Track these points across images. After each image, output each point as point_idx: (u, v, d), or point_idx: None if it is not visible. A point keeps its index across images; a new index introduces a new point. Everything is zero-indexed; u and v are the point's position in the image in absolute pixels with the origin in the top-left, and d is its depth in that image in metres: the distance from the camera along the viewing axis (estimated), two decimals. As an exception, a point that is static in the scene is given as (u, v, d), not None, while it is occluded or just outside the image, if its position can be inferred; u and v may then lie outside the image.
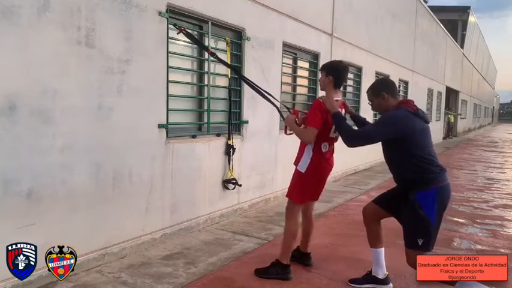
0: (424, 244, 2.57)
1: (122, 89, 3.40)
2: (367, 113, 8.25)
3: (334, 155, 3.21)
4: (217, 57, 3.97)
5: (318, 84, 6.67)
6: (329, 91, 3.04)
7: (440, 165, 2.69)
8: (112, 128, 3.35)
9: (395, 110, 2.73)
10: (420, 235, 2.58)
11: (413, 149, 2.63)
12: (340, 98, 3.11)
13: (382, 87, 2.85)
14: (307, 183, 3.10)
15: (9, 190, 2.71)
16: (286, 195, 3.22)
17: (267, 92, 3.64)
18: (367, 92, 2.94)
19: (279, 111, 3.75)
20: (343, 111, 3.13)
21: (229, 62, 4.68)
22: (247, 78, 3.94)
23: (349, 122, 2.98)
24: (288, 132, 3.27)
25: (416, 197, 2.60)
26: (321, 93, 6.89)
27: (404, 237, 2.70)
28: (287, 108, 3.70)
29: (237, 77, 4.88)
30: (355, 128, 3.03)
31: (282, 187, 5.65)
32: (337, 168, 7.22)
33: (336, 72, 3.06)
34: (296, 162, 3.15)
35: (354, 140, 2.80)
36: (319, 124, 2.94)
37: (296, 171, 3.14)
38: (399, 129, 2.62)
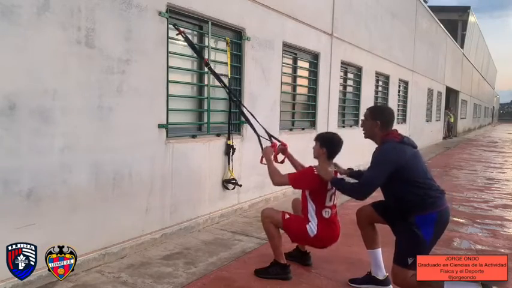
0: (413, 264, 2.51)
1: (121, 89, 3.40)
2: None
3: (339, 220, 3.20)
4: (210, 69, 4.05)
5: (318, 84, 6.70)
6: (323, 162, 3.09)
7: (438, 189, 2.69)
8: (112, 128, 3.35)
9: (382, 146, 2.75)
10: (412, 254, 2.54)
11: (411, 177, 2.63)
12: (332, 167, 3.11)
13: (381, 115, 2.84)
14: (312, 243, 3.12)
15: (9, 190, 2.71)
16: (282, 226, 3.13)
17: (253, 116, 3.85)
18: (367, 110, 2.94)
19: (260, 141, 3.75)
20: (338, 175, 3.14)
21: (229, 62, 4.69)
22: (238, 99, 4.03)
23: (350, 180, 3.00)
24: (263, 163, 3.33)
25: (414, 220, 2.59)
26: (320, 93, 6.89)
27: (395, 252, 2.67)
28: (269, 135, 3.71)
29: (238, 76, 4.89)
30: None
31: (282, 187, 5.65)
32: (337, 168, 7.24)
33: (330, 145, 3.09)
34: (305, 217, 3.11)
35: (361, 192, 2.78)
36: (297, 185, 3.08)
37: (303, 228, 3.07)
38: (393, 163, 2.61)
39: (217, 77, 4.14)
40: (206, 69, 4.39)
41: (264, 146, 3.51)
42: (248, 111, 4.01)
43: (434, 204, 2.60)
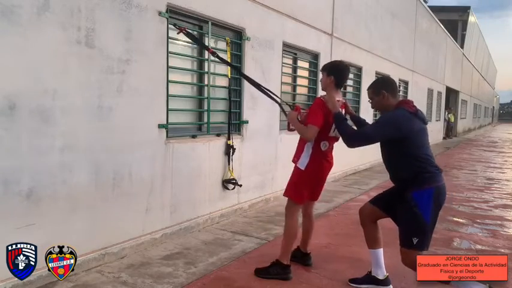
0: (418, 243, 2.58)
1: (121, 89, 3.40)
2: (367, 113, 8.27)
3: (333, 154, 3.21)
4: (218, 56, 3.97)
5: (318, 84, 6.69)
6: (330, 91, 3.06)
7: (436, 166, 2.70)
8: (112, 128, 3.35)
9: (394, 110, 2.74)
10: (415, 234, 2.59)
11: (411, 149, 2.65)
12: (341, 99, 3.12)
13: (383, 85, 2.86)
14: (307, 181, 3.10)
15: (9, 190, 2.71)
16: (284, 194, 3.22)
17: (269, 90, 3.65)
18: (367, 90, 2.95)
19: (281, 108, 3.75)
20: (344, 111, 3.14)
21: (229, 62, 4.69)
22: (248, 77, 3.93)
23: (349, 122, 2.98)
24: (291, 127, 3.29)
25: (412, 196, 2.62)
26: (321, 93, 6.90)
27: (400, 236, 2.70)
28: (289, 105, 3.72)
29: (238, 76, 4.89)
30: (355, 128, 3.04)
31: (282, 187, 5.62)
32: (337, 168, 7.23)
33: (337, 72, 3.08)
34: (295, 160, 3.16)
35: (354, 140, 2.81)
36: (320, 122, 2.95)
37: (295, 168, 3.14)
38: (398, 130, 2.63)
39: (226, 62, 4.16)
40: (206, 70, 4.40)
41: (287, 113, 3.38)
42: (265, 88, 3.69)
43: (431, 179, 2.62)
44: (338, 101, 3.02)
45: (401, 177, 2.73)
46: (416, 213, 2.59)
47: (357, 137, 2.83)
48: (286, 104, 3.77)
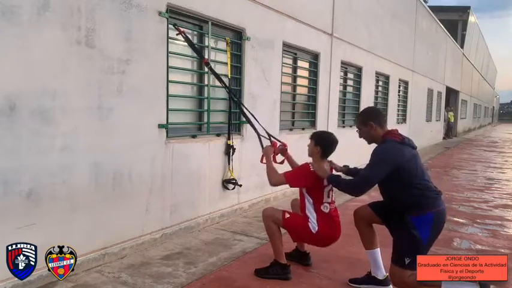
0: (410, 263, 2.53)
1: (121, 89, 3.40)
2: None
3: (339, 213, 3.19)
4: (210, 68, 4.04)
5: (318, 84, 6.70)
6: (317, 160, 3.09)
7: (435, 190, 2.69)
8: (112, 128, 3.35)
9: (382, 144, 2.75)
10: (408, 254, 2.55)
11: (408, 178, 2.63)
12: (327, 165, 3.13)
13: (371, 117, 2.86)
14: (316, 241, 3.10)
15: (9, 190, 2.71)
16: (283, 225, 3.12)
17: (253, 116, 3.84)
18: (355, 120, 2.97)
19: (260, 140, 3.74)
20: (334, 172, 3.14)
21: (229, 62, 4.69)
22: (238, 99, 4.02)
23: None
24: (263, 162, 3.33)
25: (411, 219, 2.60)
26: (320, 93, 6.90)
27: (393, 252, 2.68)
28: (269, 135, 3.70)
29: (238, 76, 4.89)
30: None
31: (282, 187, 5.65)
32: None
33: (325, 144, 3.09)
34: (303, 216, 3.10)
35: (357, 189, 2.77)
36: (294, 183, 3.09)
37: (307, 225, 3.05)
38: (393, 163, 2.62)
39: (218, 76, 4.14)
40: (206, 70, 4.40)
41: (264, 145, 3.51)
42: (248, 111, 4.01)
43: (430, 205, 2.61)
44: (325, 167, 3.06)
45: (400, 206, 2.70)
46: (413, 235, 2.57)
47: (359, 185, 2.77)
48: (268, 137, 3.69)
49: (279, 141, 3.54)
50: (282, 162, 3.47)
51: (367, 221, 3.01)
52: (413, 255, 2.51)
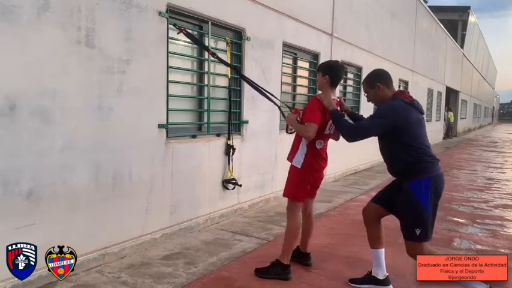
0: (421, 234, 2.59)
1: (121, 89, 3.40)
2: (367, 113, 8.26)
3: (327, 152, 3.23)
4: (217, 57, 3.99)
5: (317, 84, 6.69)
6: (326, 90, 3.10)
7: (433, 155, 2.71)
8: (112, 128, 3.35)
9: (391, 101, 2.75)
10: (417, 225, 2.60)
11: (408, 140, 2.65)
12: (336, 97, 3.15)
13: (377, 78, 2.86)
14: (304, 178, 3.12)
15: (9, 190, 2.71)
16: (284, 195, 3.23)
17: (268, 92, 3.67)
18: (362, 84, 2.97)
19: (281, 110, 3.76)
20: (340, 109, 3.16)
21: (229, 62, 4.69)
22: (248, 78, 3.95)
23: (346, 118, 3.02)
24: (290, 131, 3.31)
25: (409, 186, 2.63)
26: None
27: (402, 229, 2.72)
28: (288, 107, 3.72)
29: (238, 77, 4.89)
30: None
31: (282, 187, 5.61)
32: (337, 168, 7.26)
33: (332, 71, 3.11)
34: (290, 158, 3.19)
35: (353, 134, 2.82)
36: (318, 120, 2.99)
37: (292, 167, 3.16)
38: (396, 120, 2.64)
39: (225, 63, 4.17)
40: (206, 70, 4.40)
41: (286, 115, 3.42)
42: (263, 89, 3.75)
43: (427, 169, 2.63)
44: (333, 99, 3.05)
45: (398, 168, 2.74)
46: (415, 203, 2.60)
47: (356, 130, 2.84)
48: (286, 105, 3.77)
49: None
50: (293, 132, 3.38)
51: (376, 217, 3.01)
52: (421, 224, 2.57)
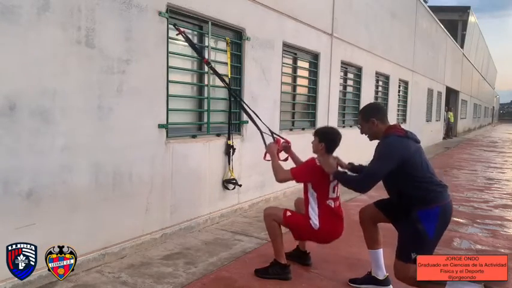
0: (415, 258, 2.49)
1: (121, 89, 3.40)
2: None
3: (342, 209, 3.17)
4: (211, 68, 4.02)
5: (318, 84, 6.69)
6: (322, 156, 3.06)
7: (440, 183, 2.68)
8: (112, 128, 3.35)
9: (385, 139, 2.73)
10: (415, 250, 2.54)
11: (413, 172, 2.62)
12: (333, 160, 3.10)
13: (372, 113, 2.85)
14: (318, 238, 3.08)
15: (9, 190, 2.71)
16: (283, 223, 3.12)
17: (255, 113, 3.77)
18: (358, 115, 2.95)
19: (263, 137, 3.67)
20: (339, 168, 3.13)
21: (229, 62, 4.69)
22: (239, 97, 3.96)
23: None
24: (267, 159, 3.30)
25: (418, 214, 2.58)
26: (320, 93, 6.89)
27: (398, 248, 2.67)
28: (271, 132, 3.65)
29: (238, 76, 4.89)
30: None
31: (282, 187, 5.65)
32: (337, 168, 7.24)
33: (328, 140, 3.07)
34: (306, 212, 3.08)
35: (363, 186, 2.77)
36: (299, 177, 3.03)
37: (308, 222, 3.03)
38: (397, 158, 2.60)
39: (219, 75, 4.13)
40: (206, 69, 4.40)
41: (267, 142, 3.47)
42: (250, 109, 3.98)
43: (436, 199, 2.60)
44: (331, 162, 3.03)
45: (406, 202, 2.67)
46: (419, 230, 2.55)
47: (364, 182, 2.76)
48: (270, 134, 3.63)
49: (282, 138, 3.51)
50: (285, 160, 3.45)
51: (373, 220, 3.00)
52: (419, 249, 2.52)
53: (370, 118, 2.81)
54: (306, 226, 3.03)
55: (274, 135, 3.57)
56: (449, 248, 4.01)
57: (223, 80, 4.16)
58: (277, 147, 3.28)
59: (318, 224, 2.99)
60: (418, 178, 2.62)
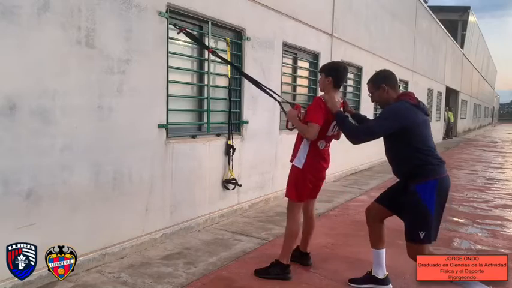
0: (425, 237, 2.58)
1: (121, 89, 3.40)
2: (367, 113, 8.26)
3: (330, 152, 3.22)
4: (218, 56, 3.97)
5: (318, 85, 6.69)
6: (329, 91, 3.07)
7: (439, 158, 2.70)
8: (112, 128, 3.35)
9: (396, 103, 2.73)
10: (421, 227, 2.58)
11: (414, 142, 2.64)
12: (339, 98, 3.13)
13: (382, 79, 2.84)
14: (305, 179, 3.10)
15: (9, 190, 2.71)
16: (286, 195, 3.22)
17: (269, 89, 3.63)
18: (367, 84, 2.95)
19: (281, 106, 3.70)
20: (343, 110, 3.14)
21: (229, 60, 4.68)
22: (248, 75, 3.90)
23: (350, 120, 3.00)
24: (290, 126, 3.29)
25: (415, 188, 2.62)
26: (320, 93, 6.90)
27: (406, 231, 2.70)
28: (289, 103, 3.69)
29: (238, 76, 4.89)
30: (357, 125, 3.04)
31: (282, 187, 5.62)
32: (337, 168, 7.25)
33: (335, 72, 3.08)
34: (292, 159, 3.17)
35: (358, 136, 2.79)
36: (320, 120, 2.95)
37: (293, 167, 3.15)
38: (401, 122, 2.62)
39: (226, 61, 4.16)
40: (206, 70, 4.40)
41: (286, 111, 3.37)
42: (262, 85, 3.71)
43: (434, 171, 2.62)
44: (337, 100, 3.03)
45: (404, 170, 2.72)
46: (420, 206, 2.58)
47: (360, 132, 2.81)
48: (286, 102, 3.75)
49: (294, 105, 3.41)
50: (292, 129, 3.36)
51: (379, 217, 2.99)
52: (426, 227, 2.56)
53: (380, 84, 2.79)
54: (295, 173, 3.10)
55: (291, 105, 3.49)
56: (449, 248, 4.01)
57: (230, 63, 4.22)
58: (297, 112, 3.17)
59: (303, 160, 3.03)
60: (419, 149, 2.63)
